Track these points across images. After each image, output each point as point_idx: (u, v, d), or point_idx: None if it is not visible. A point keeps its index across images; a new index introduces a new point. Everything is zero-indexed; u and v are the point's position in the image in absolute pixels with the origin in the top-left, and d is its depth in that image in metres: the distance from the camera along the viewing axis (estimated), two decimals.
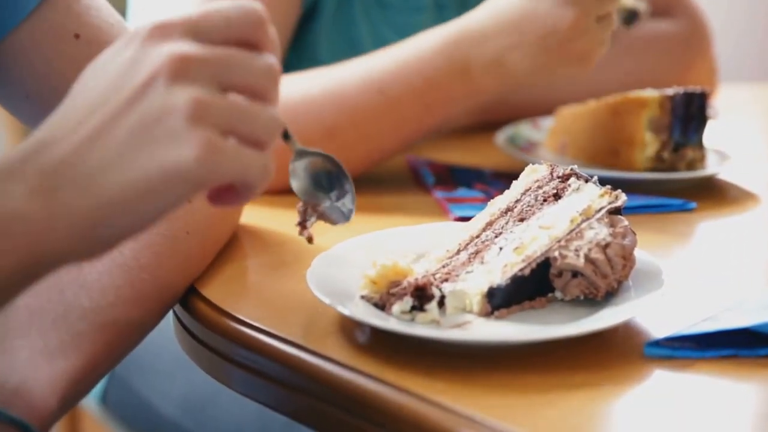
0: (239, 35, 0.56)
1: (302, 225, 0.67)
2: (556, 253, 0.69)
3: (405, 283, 0.68)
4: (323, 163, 0.66)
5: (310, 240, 0.67)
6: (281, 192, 0.94)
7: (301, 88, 0.95)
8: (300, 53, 1.08)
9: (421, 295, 0.67)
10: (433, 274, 0.71)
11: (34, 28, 0.72)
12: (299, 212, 0.67)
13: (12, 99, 0.76)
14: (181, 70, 0.53)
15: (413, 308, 0.67)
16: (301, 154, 0.66)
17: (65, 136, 0.54)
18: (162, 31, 0.54)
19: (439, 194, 0.95)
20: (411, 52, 0.95)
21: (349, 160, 0.96)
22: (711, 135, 1.02)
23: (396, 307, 0.67)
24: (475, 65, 0.93)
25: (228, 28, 0.56)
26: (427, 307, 0.67)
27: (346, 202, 0.67)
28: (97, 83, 0.55)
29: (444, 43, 0.94)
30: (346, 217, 0.67)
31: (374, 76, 0.94)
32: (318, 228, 0.88)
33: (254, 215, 0.89)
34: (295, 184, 0.66)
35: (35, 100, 0.74)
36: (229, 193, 0.56)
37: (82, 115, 0.54)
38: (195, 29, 0.55)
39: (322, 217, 0.67)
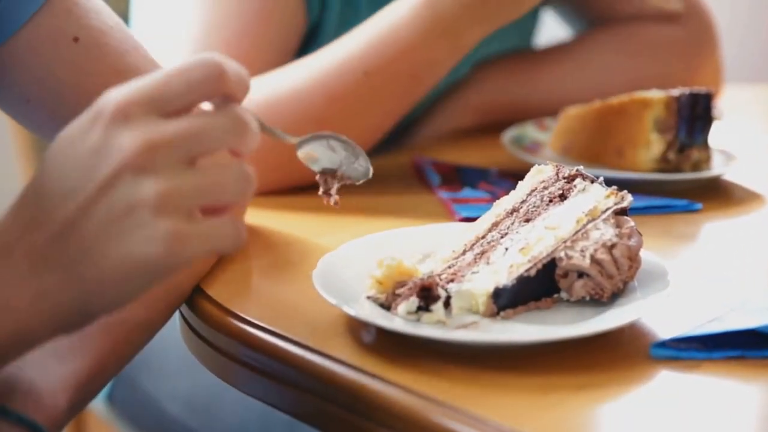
0: (203, 95, 0.56)
1: (327, 193, 0.69)
2: (562, 254, 0.69)
3: (411, 284, 0.68)
4: (326, 141, 0.68)
5: (336, 204, 0.69)
6: (283, 190, 0.95)
7: (287, 82, 0.95)
8: None
9: (427, 296, 0.67)
10: (439, 275, 0.71)
11: (33, 33, 0.72)
12: (320, 182, 0.69)
13: (12, 103, 0.76)
14: (146, 161, 0.54)
15: (419, 308, 0.67)
16: (301, 143, 0.67)
17: (44, 223, 0.55)
18: (124, 113, 0.54)
19: (444, 194, 0.95)
20: (386, 27, 0.95)
21: None
22: (716, 135, 1.02)
23: (402, 308, 0.67)
24: (452, 16, 0.94)
25: (190, 93, 0.56)
26: (433, 307, 0.67)
27: (361, 162, 0.68)
28: (67, 167, 0.55)
29: (415, 6, 0.94)
30: (365, 174, 0.69)
31: (356, 59, 0.95)
32: (322, 228, 0.88)
33: (259, 216, 0.89)
34: (314, 167, 0.68)
35: (36, 104, 0.74)
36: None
37: (58, 202, 0.55)
38: (157, 104, 0.55)
39: (343, 179, 0.69)
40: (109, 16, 0.76)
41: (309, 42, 1.08)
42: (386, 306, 0.68)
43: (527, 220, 0.74)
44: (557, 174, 0.75)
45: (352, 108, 0.95)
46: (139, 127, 0.54)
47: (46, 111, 0.74)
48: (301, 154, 0.67)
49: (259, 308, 0.74)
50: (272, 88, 0.95)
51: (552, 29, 1.37)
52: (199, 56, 0.56)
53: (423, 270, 0.70)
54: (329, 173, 0.68)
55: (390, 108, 0.98)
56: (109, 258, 0.54)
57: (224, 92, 0.56)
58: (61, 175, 0.55)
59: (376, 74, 0.95)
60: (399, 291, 0.68)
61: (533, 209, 0.74)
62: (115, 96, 0.55)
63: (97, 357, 0.69)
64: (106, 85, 0.74)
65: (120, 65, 0.75)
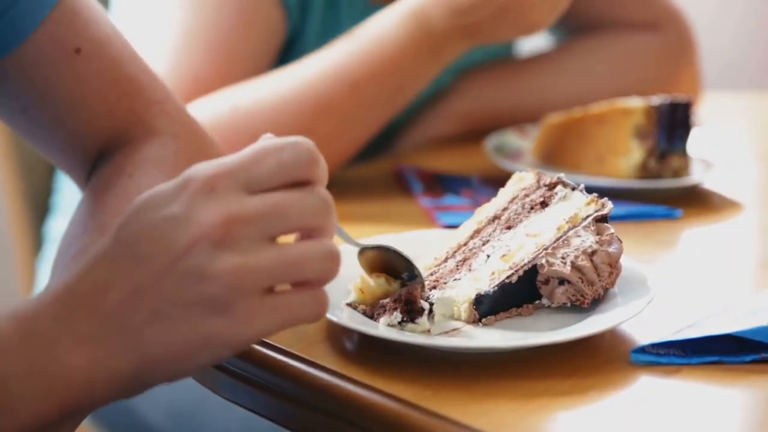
0: (292, 178, 0.55)
1: (418, 313, 0.67)
2: (543, 261, 0.70)
3: (395, 295, 0.68)
4: (386, 252, 0.69)
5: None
6: None
7: (272, 89, 0.96)
8: None
9: (411, 309, 0.67)
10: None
11: (35, 45, 0.72)
12: (404, 309, 0.67)
13: (9, 113, 0.75)
14: (226, 235, 0.53)
15: (401, 322, 0.67)
16: (364, 249, 0.68)
17: (113, 286, 0.54)
18: (213, 186, 0.54)
19: (426, 202, 0.96)
20: (373, 39, 0.96)
21: (329, 153, 0.97)
22: (695, 143, 1.03)
23: (383, 320, 0.67)
24: (441, 31, 0.94)
25: (281, 174, 0.55)
26: (418, 320, 0.67)
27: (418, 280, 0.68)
28: (144, 232, 0.54)
29: (403, 19, 0.95)
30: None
31: (343, 70, 0.95)
32: None
33: None
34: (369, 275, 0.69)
35: (32, 115, 0.74)
36: None
37: (128, 266, 0.54)
38: (246, 180, 0.54)
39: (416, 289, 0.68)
40: (108, 24, 0.75)
41: (290, 48, 1.08)
42: (369, 315, 0.68)
43: (509, 228, 0.74)
44: (538, 181, 0.76)
45: (339, 118, 0.96)
46: (222, 201, 0.53)
47: (42, 121, 0.74)
48: (362, 259, 0.68)
49: None
50: (257, 96, 0.95)
51: (533, 38, 1.37)
52: (292, 139, 0.56)
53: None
54: (409, 292, 0.67)
55: (375, 118, 0.98)
56: (176, 330, 0.53)
57: (312, 177, 0.56)
58: (138, 240, 0.54)
59: (363, 86, 0.95)
60: (383, 302, 0.68)
61: (515, 216, 0.75)
62: (204, 168, 0.54)
63: None
64: (104, 96, 0.74)
65: (119, 75, 0.75)
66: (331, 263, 0.56)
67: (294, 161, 0.55)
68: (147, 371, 0.54)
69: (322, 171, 0.56)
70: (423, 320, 0.67)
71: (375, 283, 0.68)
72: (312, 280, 0.55)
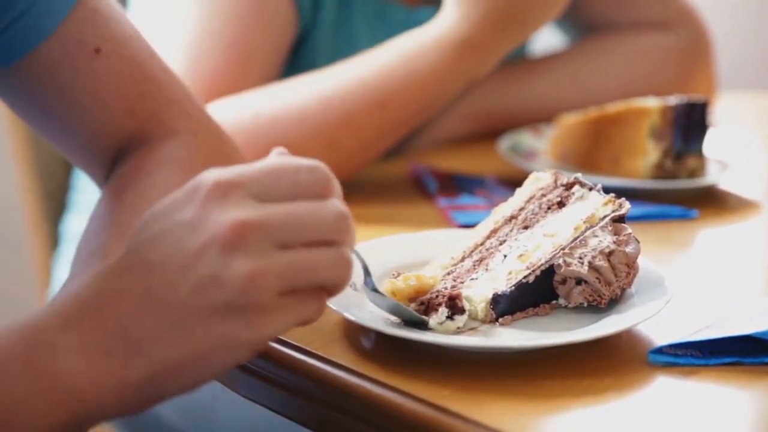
0: (305, 194, 0.54)
1: (459, 311, 0.68)
2: (560, 261, 0.70)
3: (435, 294, 0.68)
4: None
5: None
6: None
7: (295, 99, 0.95)
8: (299, 70, 1.09)
9: (453, 306, 0.67)
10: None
11: (55, 45, 0.72)
12: (448, 305, 0.67)
13: (29, 113, 0.76)
14: (238, 239, 0.52)
15: (448, 317, 0.67)
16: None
17: (123, 292, 0.53)
18: (224, 191, 0.53)
19: (442, 201, 0.96)
20: (402, 58, 0.95)
21: (351, 165, 0.97)
22: (711, 143, 1.02)
23: (433, 319, 0.67)
24: (470, 40, 0.94)
25: (294, 190, 0.54)
26: (456, 317, 0.67)
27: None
28: (156, 241, 0.53)
29: (436, 40, 0.94)
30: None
31: (372, 89, 0.95)
32: None
33: None
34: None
35: (53, 115, 0.74)
36: None
37: (140, 274, 0.53)
38: (260, 191, 0.53)
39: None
40: (128, 23, 0.75)
41: (301, 44, 1.09)
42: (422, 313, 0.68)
43: (526, 227, 0.74)
44: (556, 181, 0.76)
45: (363, 134, 0.95)
46: (235, 206, 0.53)
47: (62, 121, 0.74)
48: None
49: None
50: (281, 104, 0.95)
51: (546, 38, 1.37)
52: (311, 163, 0.55)
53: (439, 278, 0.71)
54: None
55: (400, 133, 0.98)
56: (190, 335, 0.52)
57: (325, 194, 0.55)
58: (149, 248, 0.53)
59: (390, 105, 0.95)
60: (424, 299, 0.68)
61: (532, 216, 0.75)
62: (214, 174, 0.54)
63: None
64: (124, 95, 0.74)
65: (138, 74, 0.75)
66: (343, 270, 0.55)
67: (310, 184, 0.55)
68: (161, 380, 0.54)
69: (337, 191, 0.56)
70: (463, 318, 0.67)
71: (404, 284, 0.68)
72: (325, 286, 0.55)
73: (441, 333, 0.67)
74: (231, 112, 0.94)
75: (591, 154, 1.02)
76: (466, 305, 0.68)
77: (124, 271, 0.54)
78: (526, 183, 0.77)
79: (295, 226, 0.54)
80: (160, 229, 0.54)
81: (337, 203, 0.55)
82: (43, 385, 0.52)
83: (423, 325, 0.67)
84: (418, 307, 0.68)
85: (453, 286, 0.71)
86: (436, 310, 0.67)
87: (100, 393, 0.53)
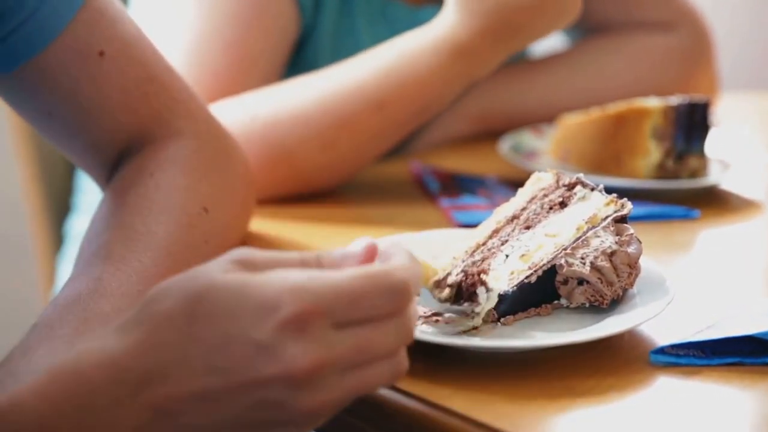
0: (380, 317, 0.54)
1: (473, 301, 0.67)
2: (562, 261, 0.70)
3: (462, 276, 0.67)
4: None
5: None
6: (285, 198, 0.95)
7: (294, 101, 0.95)
8: (301, 70, 1.09)
9: (471, 294, 0.67)
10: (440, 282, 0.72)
11: (59, 48, 0.71)
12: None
13: (34, 116, 0.75)
14: (312, 377, 0.52)
15: (457, 302, 0.67)
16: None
17: (181, 380, 0.52)
18: (304, 323, 0.52)
19: (443, 201, 0.96)
20: (400, 60, 0.94)
21: (347, 168, 0.97)
22: (713, 143, 1.03)
23: (444, 293, 0.67)
24: (469, 44, 0.93)
25: (373, 314, 0.54)
26: (476, 308, 0.67)
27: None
28: (222, 346, 0.52)
29: (429, 39, 0.93)
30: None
31: (370, 91, 0.94)
32: (323, 236, 0.89)
33: (261, 224, 0.89)
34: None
35: (57, 117, 0.74)
36: None
37: (199, 370, 0.52)
38: (338, 319, 0.53)
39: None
40: (132, 25, 0.75)
41: (303, 45, 1.09)
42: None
43: (527, 228, 0.74)
44: (557, 181, 0.76)
45: (362, 136, 0.95)
46: (314, 342, 0.52)
47: (66, 123, 0.74)
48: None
49: None
50: (278, 107, 0.95)
51: (548, 38, 1.37)
52: (394, 279, 0.54)
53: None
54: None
55: (399, 135, 0.98)
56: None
57: (401, 309, 0.55)
58: (213, 348, 0.52)
59: (389, 107, 0.94)
60: (439, 279, 0.68)
61: (533, 216, 0.75)
62: (298, 300, 0.52)
63: None
64: (128, 96, 0.74)
65: (142, 76, 0.75)
66: (397, 377, 0.56)
67: (390, 305, 0.54)
68: None
69: (412, 303, 0.56)
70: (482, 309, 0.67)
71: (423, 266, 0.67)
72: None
73: (442, 333, 0.67)
74: (231, 113, 0.94)
75: (593, 154, 1.02)
76: (482, 298, 0.67)
77: (176, 352, 0.52)
78: (528, 183, 0.77)
79: (364, 353, 0.54)
80: (229, 335, 0.52)
81: (406, 320, 0.55)
82: None
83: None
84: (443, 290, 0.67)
85: (474, 264, 0.70)
86: (473, 295, 0.66)
87: None
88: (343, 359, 0.53)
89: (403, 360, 0.56)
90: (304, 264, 0.56)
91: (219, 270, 0.54)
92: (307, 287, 0.53)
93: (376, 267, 0.55)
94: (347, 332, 0.53)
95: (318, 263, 0.57)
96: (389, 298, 0.54)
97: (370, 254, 0.58)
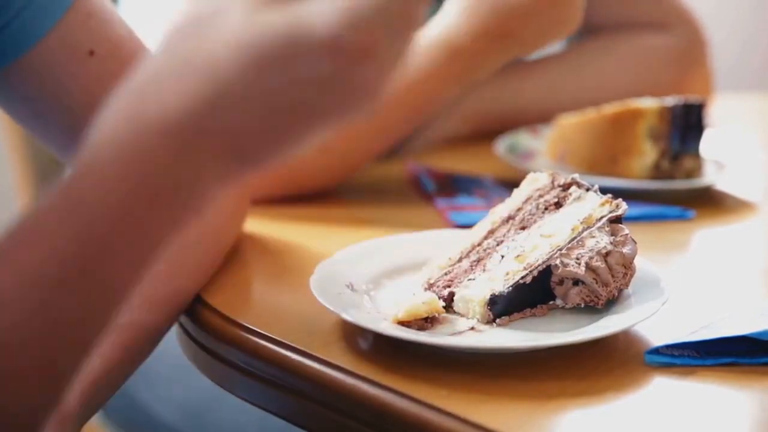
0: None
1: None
2: (558, 261, 0.70)
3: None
4: None
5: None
6: (285, 199, 0.95)
7: None
8: None
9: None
10: (436, 282, 0.72)
11: (48, 47, 0.71)
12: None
13: (24, 116, 0.75)
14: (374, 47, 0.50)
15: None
16: None
17: (235, 105, 0.51)
18: (368, 49, 0.50)
19: (439, 202, 0.96)
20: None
21: (342, 170, 0.97)
22: (708, 144, 1.03)
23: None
24: (466, 50, 0.93)
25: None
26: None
27: None
28: (285, 86, 0.52)
29: (429, 43, 0.93)
30: None
31: None
32: (319, 236, 0.89)
33: (257, 224, 0.89)
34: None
35: (44, 117, 0.74)
36: None
37: (263, 105, 0.52)
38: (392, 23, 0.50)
39: None
40: (122, 24, 0.75)
41: None
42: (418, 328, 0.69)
43: (523, 228, 0.74)
44: (553, 182, 0.76)
45: (355, 137, 0.95)
46: (375, 71, 0.51)
47: (56, 123, 0.74)
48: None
49: (257, 315, 0.74)
50: None
51: (548, 47, 1.37)
52: None
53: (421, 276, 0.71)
54: None
55: (393, 136, 0.98)
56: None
57: None
58: (277, 90, 0.51)
59: (384, 108, 0.94)
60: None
61: (529, 217, 0.75)
62: (356, 28, 0.49)
63: (107, 358, 0.69)
64: None
65: None
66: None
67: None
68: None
69: None
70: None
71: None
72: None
73: (436, 334, 0.67)
74: None
75: (588, 154, 1.02)
76: (462, 306, 0.68)
77: (245, 100, 0.51)
78: (524, 183, 0.77)
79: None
80: (292, 77, 0.51)
81: None
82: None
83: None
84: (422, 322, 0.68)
85: (447, 286, 0.71)
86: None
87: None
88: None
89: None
90: None
91: None
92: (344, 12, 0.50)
93: None
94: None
95: None
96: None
97: None
